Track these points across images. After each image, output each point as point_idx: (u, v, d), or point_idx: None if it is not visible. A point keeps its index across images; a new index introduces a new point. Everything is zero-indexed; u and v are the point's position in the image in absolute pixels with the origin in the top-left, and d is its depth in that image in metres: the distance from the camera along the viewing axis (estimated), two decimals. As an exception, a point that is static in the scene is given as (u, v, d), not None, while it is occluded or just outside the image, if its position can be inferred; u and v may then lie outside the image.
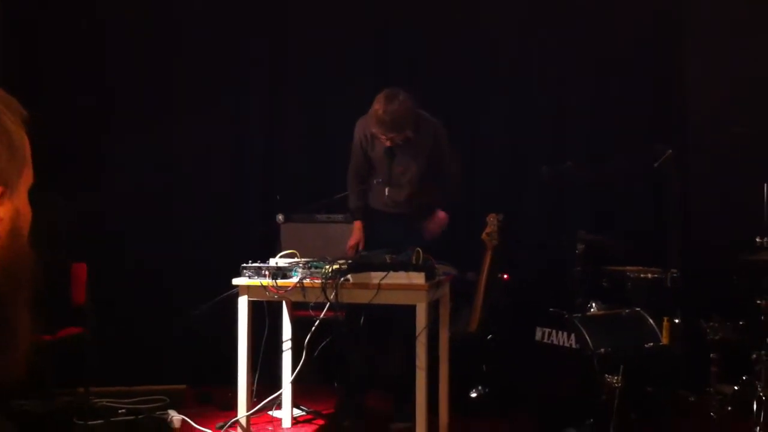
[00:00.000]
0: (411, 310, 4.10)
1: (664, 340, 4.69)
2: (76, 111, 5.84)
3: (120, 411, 5.10)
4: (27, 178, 1.11)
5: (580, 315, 4.64)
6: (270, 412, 4.80)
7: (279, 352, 4.76)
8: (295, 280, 4.09)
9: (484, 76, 6.17)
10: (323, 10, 6.19)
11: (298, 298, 4.15)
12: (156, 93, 6.02)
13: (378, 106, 4.69)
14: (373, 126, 4.76)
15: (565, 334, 4.54)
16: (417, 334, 4.02)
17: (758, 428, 4.35)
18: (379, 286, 4.01)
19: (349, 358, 5.05)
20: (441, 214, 5.06)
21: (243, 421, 4.28)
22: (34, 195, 1.12)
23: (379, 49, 6.26)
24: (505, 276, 5.61)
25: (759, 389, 4.46)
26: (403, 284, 4.03)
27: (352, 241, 5.06)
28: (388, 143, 4.81)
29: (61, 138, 5.46)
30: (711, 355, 4.65)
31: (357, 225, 5.09)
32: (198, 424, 4.80)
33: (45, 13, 5.96)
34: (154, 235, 5.93)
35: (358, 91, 5.84)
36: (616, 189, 6.02)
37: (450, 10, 6.15)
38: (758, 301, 4.58)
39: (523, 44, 6.19)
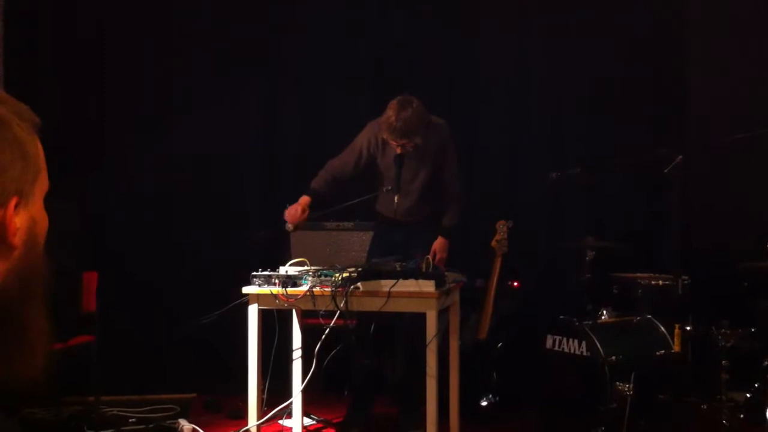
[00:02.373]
0: (418, 316, 4.10)
1: (675, 348, 4.67)
2: (75, 115, 5.87)
3: (130, 420, 5.10)
4: (42, 186, 1.11)
5: (590, 322, 4.63)
6: (280, 421, 4.79)
7: (289, 360, 4.75)
8: (305, 288, 4.08)
9: (483, 77, 6.18)
10: (323, 10, 6.20)
11: (308, 306, 4.14)
12: (154, 97, 6.05)
13: (391, 112, 4.69)
14: (384, 132, 4.75)
15: (576, 341, 4.53)
16: (427, 342, 4.01)
17: (771, 436, 4.33)
18: (389, 294, 4.00)
19: (358, 366, 5.03)
20: (437, 245, 4.96)
21: (253, 430, 4.27)
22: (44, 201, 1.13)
23: (380, 50, 6.27)
24: (515, 283, 5.60)
25: (771, 396, 4.44)
26: (413, 292, 4.02)
27: (294, 206, 4.81)
28: (398, 150, 4.80)
29: (60, 143, 5.50)
30: (722, 362, 4.62)
31: (304, 198, 4.86)
32: (208, 433, 4.81)
33: (45, 12, 5.99)
34: (160, 242, 5.95)
35: (358, 93, 5.89)
36: (622, 194, 6.02)
37: (450, 12, 6.16)
38: (769, 308, 4.57)
39: (523, 45, 6.20)
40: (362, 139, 4.97)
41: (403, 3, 6.25)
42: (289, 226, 4.80)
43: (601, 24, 6.06)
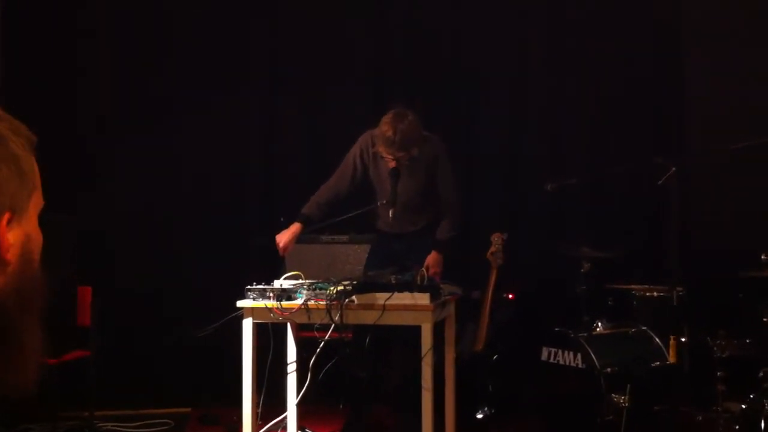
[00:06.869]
0: (414, 328, 4.09)
1: (671, 359, 4.67)
2: (69, 128, 5.87)
3: (125, 435, 5.10)
4: (37, 202, 1.13)
5: (586, 334, 4.63)
6: (275, 435, 4.78)
7: (284, 373, 4.74)
8: (299, 301, 4.08)
9: (482, 86, 6.19)
10: (324, 13, 6.21)
11: (302, 319, 4.13)
12: (151, 106, 6.05)
13: (386, 126, 4.69)
14: (380, 146, 4.76)
15: (572, 353, 4.52)
16: (422, 354, 4.00)
17: (767, 446, 4.32)
18: (384, 307, 3.99)
19: (354, 378, 5.02)
20: (431, 259, 4.96)
21: (248, 444, 4.25)
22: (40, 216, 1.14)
23: (380, 53, 6.27)
24: (511, 295, 5.60)
25: (767, 407, 4.43)
26: (408, 305, 4.02)
27: (282, 240, 4.82)
28: (393, 163, 4.81)
29: (57, 156, 5.49)
30: (718, 373, 4.62)
31: (296, 225, 4.87)
32: (203, 447, 4.79)
33: (43, 15, 5.99)
34: (155, 256, 5.93)
35: (358, 100, 5.89)
36: (618, 205, 6.03)
37: (450, 18, 6.18)
38: (765, 318, 4.56)
39: (522, 55, 6.22)
40: (354, 152, 4.99)
41: (404, 9, 6.27)
42: (280, 251, 4.80)
43: (601, 35, 6.09)
